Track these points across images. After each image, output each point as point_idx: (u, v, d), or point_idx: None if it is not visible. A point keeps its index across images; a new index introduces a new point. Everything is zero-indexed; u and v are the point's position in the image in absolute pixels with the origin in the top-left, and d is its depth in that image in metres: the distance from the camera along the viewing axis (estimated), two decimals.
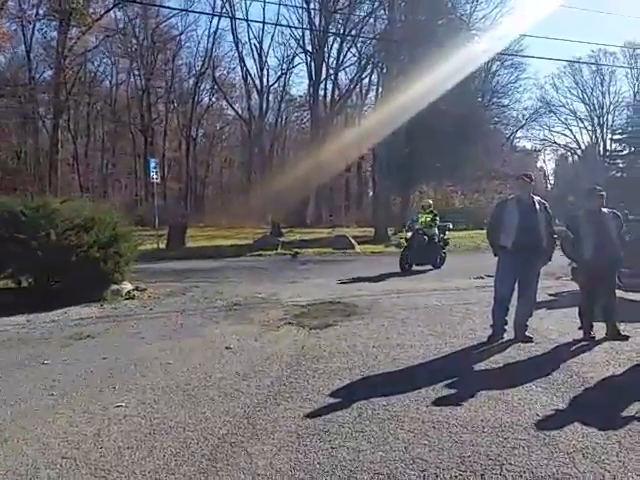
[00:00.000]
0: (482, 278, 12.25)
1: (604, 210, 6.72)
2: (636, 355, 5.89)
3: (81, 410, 4.54)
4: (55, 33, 37.66)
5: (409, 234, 14.18)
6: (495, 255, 6.79)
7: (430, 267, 14.71)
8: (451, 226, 16.12)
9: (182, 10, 42.75)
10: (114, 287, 10.23)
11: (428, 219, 14.54)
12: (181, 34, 47.57)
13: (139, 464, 3.56)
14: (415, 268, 16.15)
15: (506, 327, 6.69)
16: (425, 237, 14.04)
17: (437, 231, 14.66)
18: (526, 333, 6.61)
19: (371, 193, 44.70)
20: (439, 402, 4.55)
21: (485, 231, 7.24)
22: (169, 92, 48.38)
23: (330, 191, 45.51)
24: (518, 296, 6.68)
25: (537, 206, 6.56)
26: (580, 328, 6.72)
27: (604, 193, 6.74)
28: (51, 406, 4.66)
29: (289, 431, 4.02)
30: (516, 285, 6.64)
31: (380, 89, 39.09)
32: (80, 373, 5.57)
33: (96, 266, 9.67)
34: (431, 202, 15.52)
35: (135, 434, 4.03)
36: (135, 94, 47.95)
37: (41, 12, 37.24)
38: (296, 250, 20.66)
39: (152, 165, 22.22)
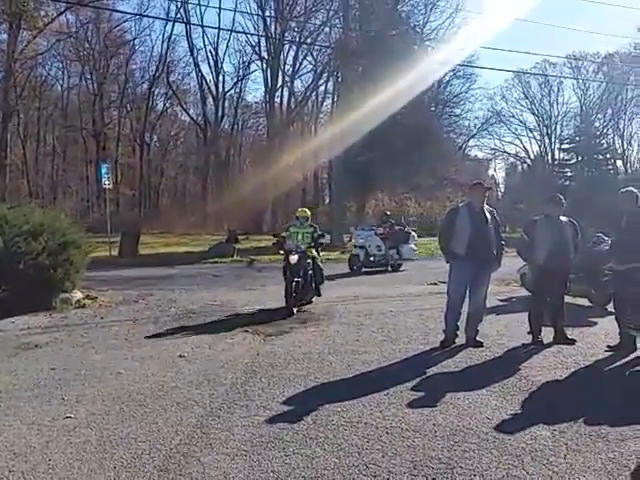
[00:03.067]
0: (436, 284, 12.44)
1: (562, 218, 6.92)
2: (582, 359, 6.07)
3: (29, 422, 4.41)
4: (5, 36, 36.68)
5: (295, 257, 9.27)
6: (447, 262, 6.88)
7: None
8: (328, 241, 11.54)
9: (136, 15, 42.09)
10: (64, 295, 9.96)
11: (307, 236, 9.91)
12: (135, 39, 46.99)
13: (89, 477, 3.48)
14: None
15: (458, 332, 6.82)
16: (309, 262, 9.72)
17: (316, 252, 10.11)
18: (477, 338, 6.74)
19: (327, 200, 44.82)
20: (392, 407, 4.60)
21: (437, 238, 7.32)
22: (122, 97, 47.61)
23: (287, 198, 45.46)
24: (469, 302, 6.80)
25: (487, 214, 6.69)
26: (529, 332, 6.89)
27: (563, 201, 6.94)
28: None
29: (243, 440, 4.00)
30: (467, 291, 6.78)
31: (336, 98, 39.39)
32: (28, 384, 5.41)
33: (45, 274, 9.41)
34: (308, 212, 10.38)
35: (85, 446, 3.94)
36: (87, 98, 47.00)
37: None
38: (252, 257, 20.57)
39: (104, 170, 21.80)
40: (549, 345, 6.66)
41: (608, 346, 6.47)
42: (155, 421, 4.38)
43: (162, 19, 43.18)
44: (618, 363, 6.02)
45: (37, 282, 9.22)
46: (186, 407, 4.69)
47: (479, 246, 6.52)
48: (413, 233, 17.96)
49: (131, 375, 5.68)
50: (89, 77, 46.78)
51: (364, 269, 16.43)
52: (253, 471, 3.51)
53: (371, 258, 16.53)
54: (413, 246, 17.56)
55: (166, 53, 45.61)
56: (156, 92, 48.70)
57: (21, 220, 9.76)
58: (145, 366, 6.02)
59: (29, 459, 3.75)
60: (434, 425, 4.19)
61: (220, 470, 3.53)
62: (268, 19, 40.20)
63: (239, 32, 41.70)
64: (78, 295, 10.35)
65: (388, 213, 19.03)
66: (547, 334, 6.84)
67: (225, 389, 5.18)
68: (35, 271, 9.21)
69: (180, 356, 6.39)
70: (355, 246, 17.13)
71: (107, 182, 21.71)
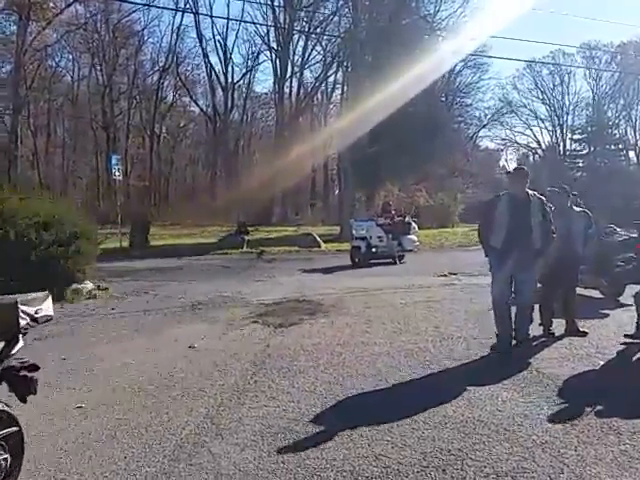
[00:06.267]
0: (445, 276, 12.40)
1: (575, 208, 6.81)
2: (594, 351, 6.02)
3: (40, 411, 4.43)
4: (14, 28, 36.74)
5: None
6: (486, 256, 6.39)
7: None
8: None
9: (144, 5, 41.84)
10: (75, 286, 10.03)
11: None
12: (144, 29, 46.81)
13: (100, 465, 3.51)
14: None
15: (513, 334, 6.26)
16: None
17: None
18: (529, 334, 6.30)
19: (337, 191, 44.76)
20: (402, 399, 4.59)
21: (477, 230, 6.60)
22: (132, 88, 47.56)
23: (296, 189, 45.42)
24: (514, 300, 6.36)
25: (532, 203, 6.07)
26: (540, 324, 6.84)
27: (572, 192, 6.83)
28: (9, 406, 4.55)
29: (253, 430, 4.01)
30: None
31: (345, 88, 39.27)
32: (39, 373, 5.43)
33: (56, 265, 9.48)
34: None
35: (95, 435, 3.97)
36: (97, 90, 47.06)
37: (0, 6, 36.25)
38: (262, 249, 20.55)
39: (114, 162, 21.84)
40: (560, 337, 6.61)
41: (625, 335, 6.37)
42: (165, 411, 4.40)
43: (171, 9, 43.10)
44: (630, 355, 5.97)
45: (48, 273, 9.27)
46: (196, 397, 4.71)
47: (518, 238, 5.93)
48: (414, 224, 17.55)
49: (142, 366, 5.71)
50: (99, 68, 46.77)
51: (369, 261, 15.76)
52: (263, 461, 3.52)
53: (373, 249, 15.91)
54: (414, 237, 17.19)
55: (175, 44, 45.56)
56: (165, 83, 48.72)
57: (32, 211, 9.81)
58: (155, 357, 6.06)
59: (41, 447, 3.78)
60: (444, 417, 4.17)
61: (230, 460, 3.54)
62: (277, 9, 40.07)
63: (248, 22, 41.64)
64: (89, 286, 10.41)
65: (390, 203, 18.66)
66: (558, 326, 6.79)
67: (235, 380, 5.19)
68: (46, 262, 9.27)
69: (190, 347, 6.42)
70: (355, 238, 16.29)
71: (117, 173, 21.75)
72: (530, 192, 6.16)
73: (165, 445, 3.78)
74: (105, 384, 5.12)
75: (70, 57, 46.56)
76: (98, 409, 4.48)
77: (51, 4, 35.53)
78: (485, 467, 3.39)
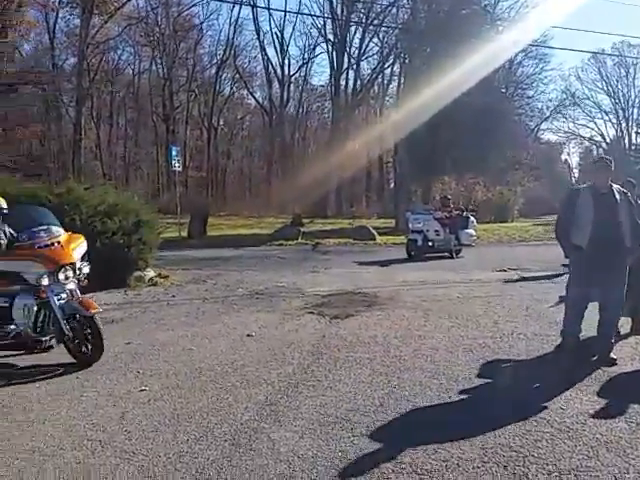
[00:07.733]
0: (505, 271, 12.15)
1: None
2: None
3: (106, 393, 4.61)
4: (78, 21, 37.91)
5: None
6: (566, 256, 5.87)
7: None
8: None
9: None
10: (137, 273, 10.33)
11: None
12: (202, 23, 47.53)
13: (163, 447, 3.61)
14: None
15: (581, 336, 5.84)
16: None
17: None
18: (611, 355, 5.48)
19: (392, 184, 44.38)
20: (461, 394, 4.54)
21: (554, 226, 6.09)
22: (191, 81, 48.41)
23: (351, 182, 45.24)
24: (599, 307, 5.70)
25: (617, 196, 5.51)
26: None
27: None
28: (77, 388, 4.74)
29: (311, 419, 4.04)
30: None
31: (402, 80, 38.81)
32: (105, 357, 5.63)
33: (120, 252, 9.77)
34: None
35: (159, 418, 4.09)
36: (157, 82, 48.11)
37: (64, 0, 37.53)
38: (317, 240, 20.61)
39: (174, 153, 22.26)
40: (626, 336, 6.39)
41: None
42: (226, 397, 4.49)
43: (229, 2, 43.40)
44: None
45: (112, 260, 9.56)
46: (255, 385, 4.78)
47: (605, 236, 5.36)
48: (472, 218, 17.25)
49: (202, 352, 5.85)
50: (159, 62, 47.75)
51: (425, 255, 15.48)
52: (321, 450, 3.55)
53: (430, 243, 15.61)
54: (472, 231, 16.90)
55: (233, 37, 46.13)
56: (223, 76, 49.36)
57: (97, 200, 10.13)
58: (215, 344, 6.18)
59: (107, 429, 3.92)
60: (504, 413, 4.10)
61: (289, 447, 3.59)
62: (334, 1, 39.97)
63: (305, 14, 41.81)
64: (151, 274, 10.71)
65: (449, 197, 18.39)
66: (624, 324, 6.57)
67: (292, 369, 5.24)
68: (110, 250, 9.56)
69: (248, 335, 6.52)
70: (412, 231, 15.93)
71: (177, 165, 22.18)
72: (614, 185, 5.64)
73: (225, 430, 3.86)
74: (167, 369, 5.26)
75: (131, 50, 47.73)
76: (161, 392, 4.61)
77: None
78: (547, 464, 3.32)
